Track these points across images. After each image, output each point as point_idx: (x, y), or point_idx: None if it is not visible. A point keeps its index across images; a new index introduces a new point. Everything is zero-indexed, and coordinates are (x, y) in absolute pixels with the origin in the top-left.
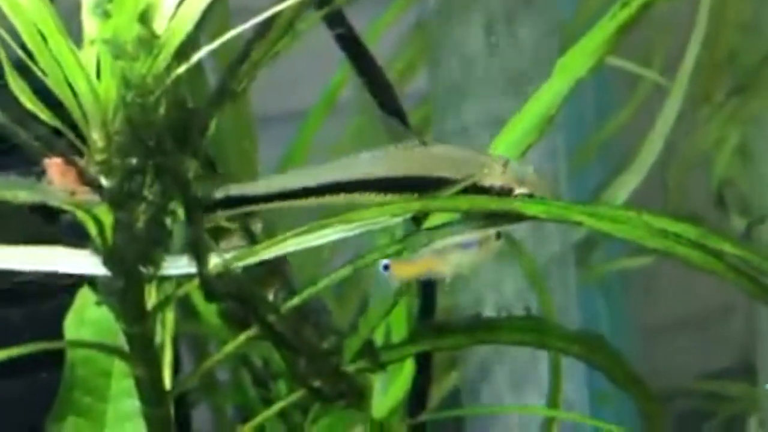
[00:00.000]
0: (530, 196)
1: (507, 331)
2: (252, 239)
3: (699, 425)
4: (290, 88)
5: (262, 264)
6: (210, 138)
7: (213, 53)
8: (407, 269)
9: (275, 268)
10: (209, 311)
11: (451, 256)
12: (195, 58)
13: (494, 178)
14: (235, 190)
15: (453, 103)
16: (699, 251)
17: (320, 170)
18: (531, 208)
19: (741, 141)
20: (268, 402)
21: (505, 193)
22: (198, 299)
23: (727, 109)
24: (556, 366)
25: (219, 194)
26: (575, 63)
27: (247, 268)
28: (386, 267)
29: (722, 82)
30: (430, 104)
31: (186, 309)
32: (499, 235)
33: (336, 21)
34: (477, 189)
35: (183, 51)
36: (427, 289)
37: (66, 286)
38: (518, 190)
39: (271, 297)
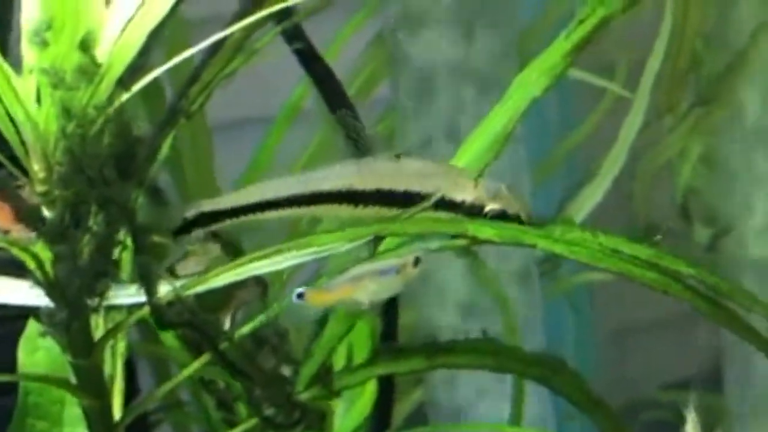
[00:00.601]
0: (503, 212)
1: (465, 354)
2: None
3: None
4: (255, 93)
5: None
6: (166, 156)
7: (171, 71)
8: (322, 297)
9: (234, 290)
10: (168, 333)
11: (367, 283)
12: (141, 84)
13: (465, 194)
14: (207, 206)
15: (415, 114)
16: (655, 272)
17: (292, 181)
18: (483, 231)
19: (705, 151)
20: (230, 423)
21: (477, 209)
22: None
23: (691, 120)
24: (520, 383)
25: (191, 212)
26: (532, 80)
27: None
28: (300, 295)
29: (685, 93)
30: (392, 116)
31: (145, 331)
32: (417, 262)
33: (294, 36)
34: (448, 204)
35: (127, 78)
36: (389, 310)
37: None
38: (489, 206)
39: (228, 321)
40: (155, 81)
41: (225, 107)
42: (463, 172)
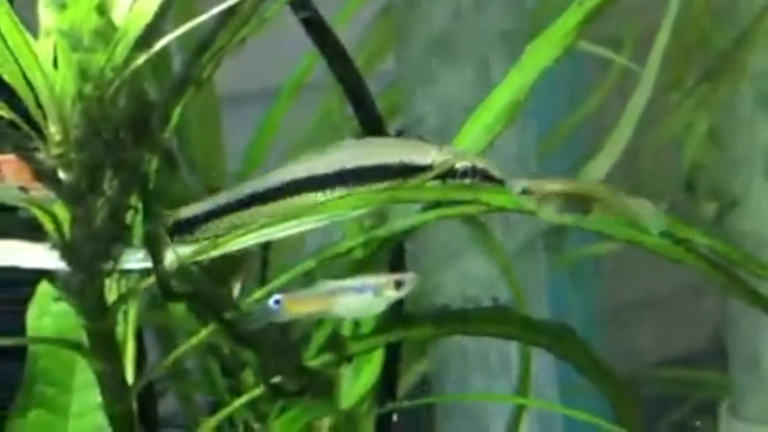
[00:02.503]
0: (473, 167)
1: (475, 322)
2: None
3: (670, 410)
4: (261, 65)
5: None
6: (174, 124)
7: (179, 38)
8: (299, 306)
9: (244, 256)
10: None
11: (342, 298)
12: (155, 48)
13: (431, 157)
14: (184, 212)
15: (422, 86)
16: (667, 241)
17: (263, 179)
18: (497, 199)
19: (711, 125)
20: (236, 391)
21: (446, 169)
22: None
23: (698, 94)
24: (526, 354)
25: (169, 222)
26: (543, 51)
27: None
28: (277, 301)
29: (693, 67)
30: (398, 87)
31: (152, 298)
32: (399, 285)
33: (302, 5)
34: (416, 169)
35: (143, 42)
36: None
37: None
38: (460, 164)
39: (238, 288)
40: (162, 48)
41: (232, 77)
42: (425, 142)
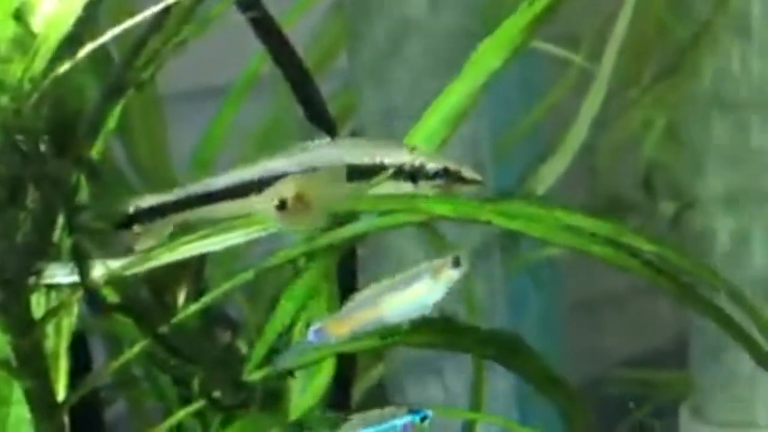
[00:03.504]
0: (446, 169)
1: (419, 332)
2: None
3: (629, 411)
4: (210, 62)
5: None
6: (115, 126)
7: (120, 41)
8: (344, 325)
9: (186, 264)
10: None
11: (392, 299)
12: (80, 56)
13: (403, 157)
14: (148, 200)
15: (375, 86)
16: (614, 249)
17: (233, 173)
18: (438, 208)
19: (669, 124)
20: (186, 400)
21: (418, 170)
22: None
23: (655, 92)
24: (479, 364)
25: (131, 207)
26: (492, 52)
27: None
28: (318, 330)
29: (650, 64)
30: (351, 87)
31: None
32: (457, 262)
33: (249, 5)
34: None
35: (67, 48)
36: (348, 288)
37: None
38: (430, 165)
39: (182, 296)
40: (105, 51)
41: (180, 77)
42: (397, 142)
